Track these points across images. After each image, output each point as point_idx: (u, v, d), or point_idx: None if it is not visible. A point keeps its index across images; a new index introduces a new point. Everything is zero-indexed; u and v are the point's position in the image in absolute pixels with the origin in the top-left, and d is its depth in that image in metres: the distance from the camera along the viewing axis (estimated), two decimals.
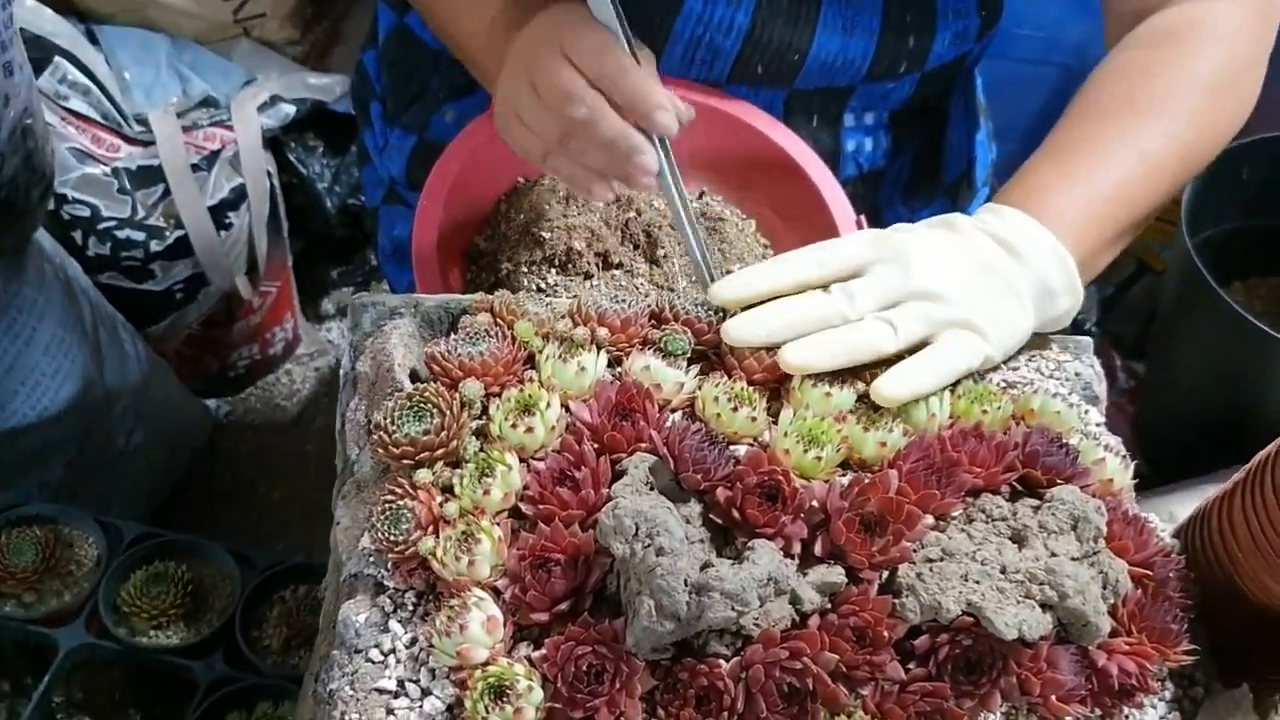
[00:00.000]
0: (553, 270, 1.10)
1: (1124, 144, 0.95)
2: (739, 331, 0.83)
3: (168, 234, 1.76)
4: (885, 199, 1.28)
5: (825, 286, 0.86)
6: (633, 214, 1.13)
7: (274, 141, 1.90)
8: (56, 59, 1.69)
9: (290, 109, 1.87)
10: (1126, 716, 0.77)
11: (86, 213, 1.69)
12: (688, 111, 0.96)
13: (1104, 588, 0.75)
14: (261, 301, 2.02)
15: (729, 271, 1.02)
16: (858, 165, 1.23)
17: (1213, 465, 1.64)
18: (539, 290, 1.08)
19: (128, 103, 1.79)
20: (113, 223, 1.72)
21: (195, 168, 1.77)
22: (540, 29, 0.97)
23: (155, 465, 1.85)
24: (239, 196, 1.83)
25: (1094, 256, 0.94)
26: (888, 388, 0.81)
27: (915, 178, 1.29)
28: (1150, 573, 0.80)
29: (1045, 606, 0.72)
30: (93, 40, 1.80)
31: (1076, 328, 2.00)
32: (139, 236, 1.74)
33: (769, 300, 0.85)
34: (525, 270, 1.10)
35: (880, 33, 1.09)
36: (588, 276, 1.10)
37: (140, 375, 1.73)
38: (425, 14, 1.14)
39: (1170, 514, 1.27)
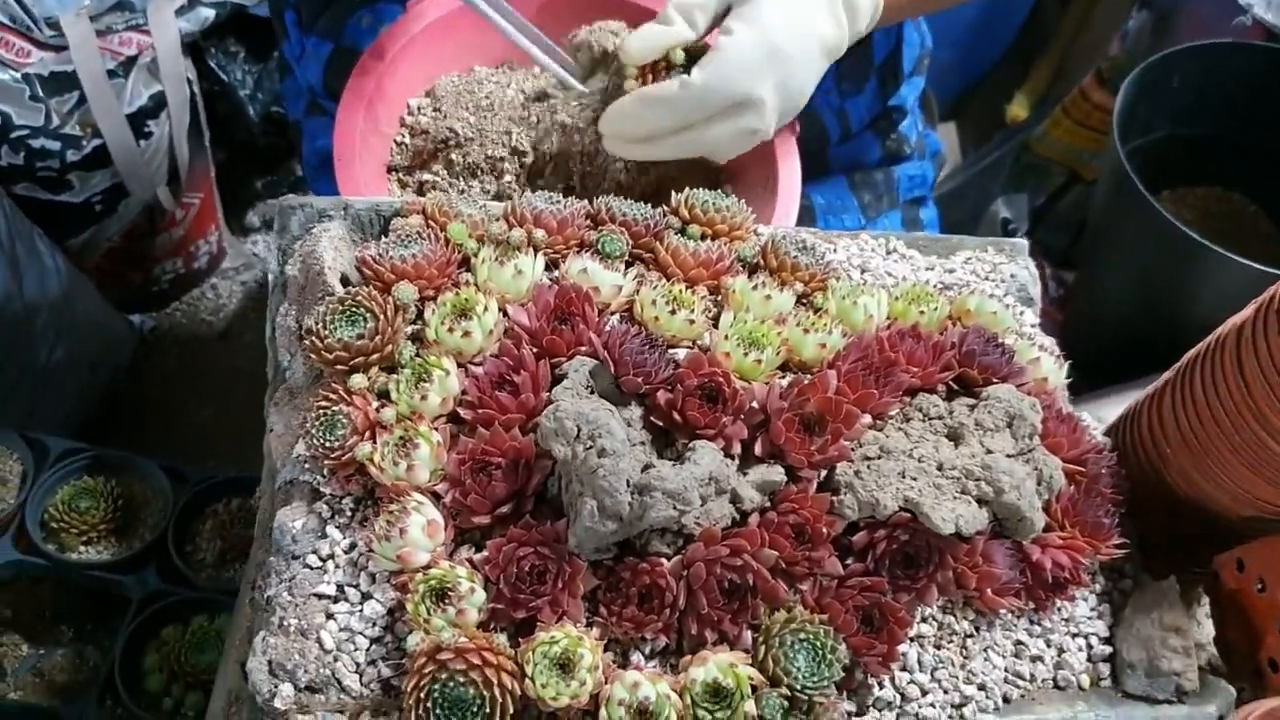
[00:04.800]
0: (474, 180, 1.08)
1: None
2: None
3: (84, 143, 1.70)
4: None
5: None
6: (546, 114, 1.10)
7: (193, 47, 1.83)
8: None
9: (209, 13, 1.79)
10: (1059, 608, 0.79)
11: None
12: None
13: (1039, 484, 0.76)
14: (184, 213, 1.96)
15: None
16: None
17: (1140, 372, 1.67)
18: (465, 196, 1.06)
19: (38, 5, 1.70)
20: (25, 131, 1.65)
21: (111, 74, 1.70)
22: None
23: (79, 381, 1.81)
24: (158, 104, 1.76)
25: None
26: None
27: (844, 62, 1.27)
28: (1083, 469, 0.81)
29: (981, 502, 0.73)
30: None
31: (1007, 236, 2.02)
32: (54, 146, 1.68)
33: None
34: (446, 180, 1.07)
35: None
36: (516, 183, 1.08)
37: (60, 289, 1.68)
38: None
39: (1099, 419, 1.30)
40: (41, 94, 1.65)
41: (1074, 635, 0.79)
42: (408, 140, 1.10)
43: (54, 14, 1.70)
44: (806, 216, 1.23)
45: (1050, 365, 0.86)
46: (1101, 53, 2.02)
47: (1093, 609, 0.80)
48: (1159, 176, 1.79)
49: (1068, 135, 2.01)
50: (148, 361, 2.04)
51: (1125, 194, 1.57)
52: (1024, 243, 0.98)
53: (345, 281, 0.83)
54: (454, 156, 1.07)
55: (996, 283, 0.95)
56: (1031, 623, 0.78)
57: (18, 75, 1.63)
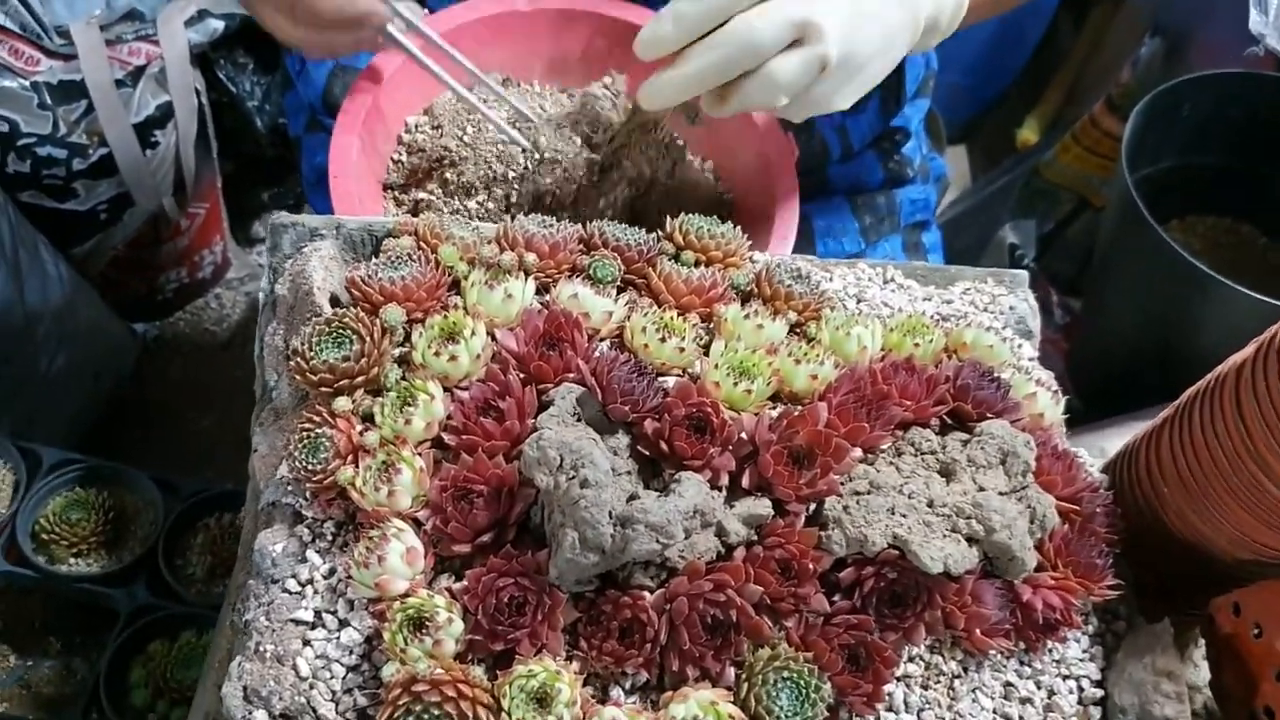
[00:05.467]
0: (470, 198, 1.07)
1: None
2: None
3: (91, 152, 1.70)
4: None
5: None
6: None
7: (202, 58, 1.83)
8: None
9: (219, 24, 1.80)
10: (1050, 650, 0.78)
11: (5, 128, 1.62)
12: None
13: (1031, 522, 0.75)
14: (189, 223, 1.96)
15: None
16: None
17: (1145, 402, 1.65)
18: (460, 217, 1.05)
19: (48, 14, 1.71)
20: (33, 139, 1.65)
21: (120, 84, 1.70)
22: None
23: (80, 390, 1.81)
24: (165, 114, 1.76)
25: None
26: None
27: None
28: (1078, 508, 0.80)
29: (971, 541, 0.72)
30: None
31: (1014, 263, 2.01)
32: (60, 154, 1.68)
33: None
34: (442, 198, 1.07)
35: None
36: (509, 203, 1.07)
37: (63, 297, 1.68)
38: None
39: (1102, 450, 1.28)
40: (50, 102, 1.65)
41: (1065, 677, 0.77)
42: (404, 158, 1.10)
43: (64, 22, 1.71)
44: (805, 238, 1.22)
45: (1047, 401, 0.84)
46: (1113, 79, 2.01)
47: (1085, 651, 0.79)
48: (1167, 205, 1.77)
49: (1077, 161, 2.00)
50: (150, 370, 2.04)
51: (1133, 222, 1.56)
52: (1024, 274, 0.97)
53: (335, 302, 0.82)
54: (449, 175, 1.06)
55: (995, 314, 0.93)
56: (1021, 664, 0.77)
57: (26, 83, 1.63)
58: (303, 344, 0.77)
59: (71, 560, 1.29)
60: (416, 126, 1.11)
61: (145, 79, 1.73)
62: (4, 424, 1.55)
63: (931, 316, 0.90)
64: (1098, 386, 1.84)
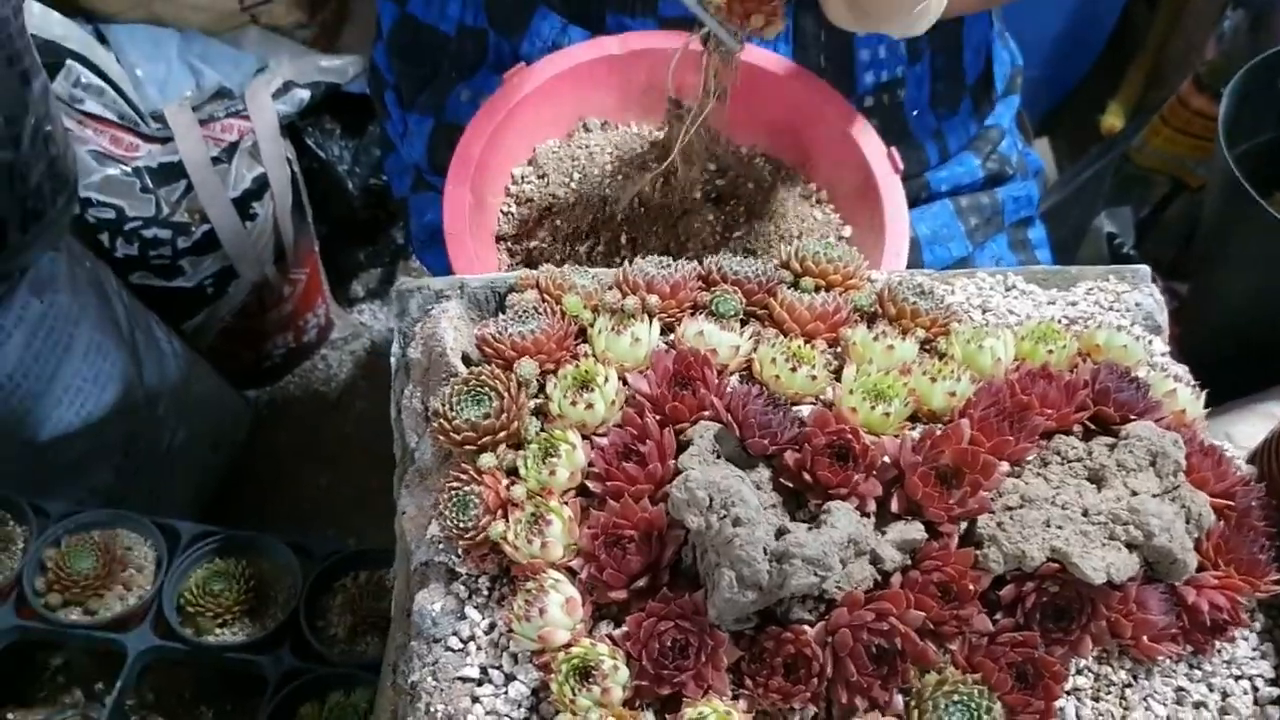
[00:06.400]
0: (581, 242, 1.08)
1: None
2: None
3: (194, 229, 1.75)
4: (910, 107, 1.26)
5: None
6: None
7: (291, 128, 1.88)
8: (69, 62, 1.67)
9: (305, 94, 1.85)
10: (1219, 651, 0.76)
11: (111, 214, 1.68)
12: None
13: (1188, 523, 0.73)
14: (292, 289, 2.01)
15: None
16: (875, 75, 1.22)
17: (1263, 382, 1.61)
18: (571, 262, 1.07)
19: (142, 100, 1.77)
20: (138, 222, 1.71)
21: (215, 160, 1.76)
22: None
23: (200, 461, 1.85)
24: (261, 186, 1.81)
25: None
26: None
27: (937, 83, 1.27)
28: (1232, 503, 0.78)
29: (1131, 547, 0.71)
30: (102, 40, 1.78)
31: (1114, 251, 1.98)
32: (165, 234, 1.73)
33: None
34: (553, 244, 1.09)
35: None
36: (615, 245, 1.08)
37: (179, 373, 1.73)
38: None
39: (1226, 435, 1.25)
40: (151, 185, 1.71)
41: (1237, 678, 0.76)
42: (514, 209, 1.12)
43: (158, 107, 1.76)
44: (911, 250, 1.22)
45: (1188, 396, 0.83)
46: (1197, 57, 1.97)
47: (1255, 649, 0.77)
48: (1271, 179, 1.73)
49: (1168, 144, 1.96)
50: (264, 435, 2.09)
51: (1237, 199, 1.52)
52: (1146, 269, 0.96)
53: (467, 360, 0.84)
54: (559, 222, 1.08)
55: (1121, 312, 0.92)
56: (1191, 667, 0.75)
57: (128, 169, 1.68)
58: (443, 405, 0.78)
59: (217, 630, 1.32)
60: (523, 178, 1.13)
61: (239, 154, 1.78)
62: (135, 501, 1.60)
63: (1059, 320, 0.89)
64: (1214, 369, 1.80)
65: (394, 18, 1.29)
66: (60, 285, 1.46)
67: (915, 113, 1.26)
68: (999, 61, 1.34)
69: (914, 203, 1.22)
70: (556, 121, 1.17)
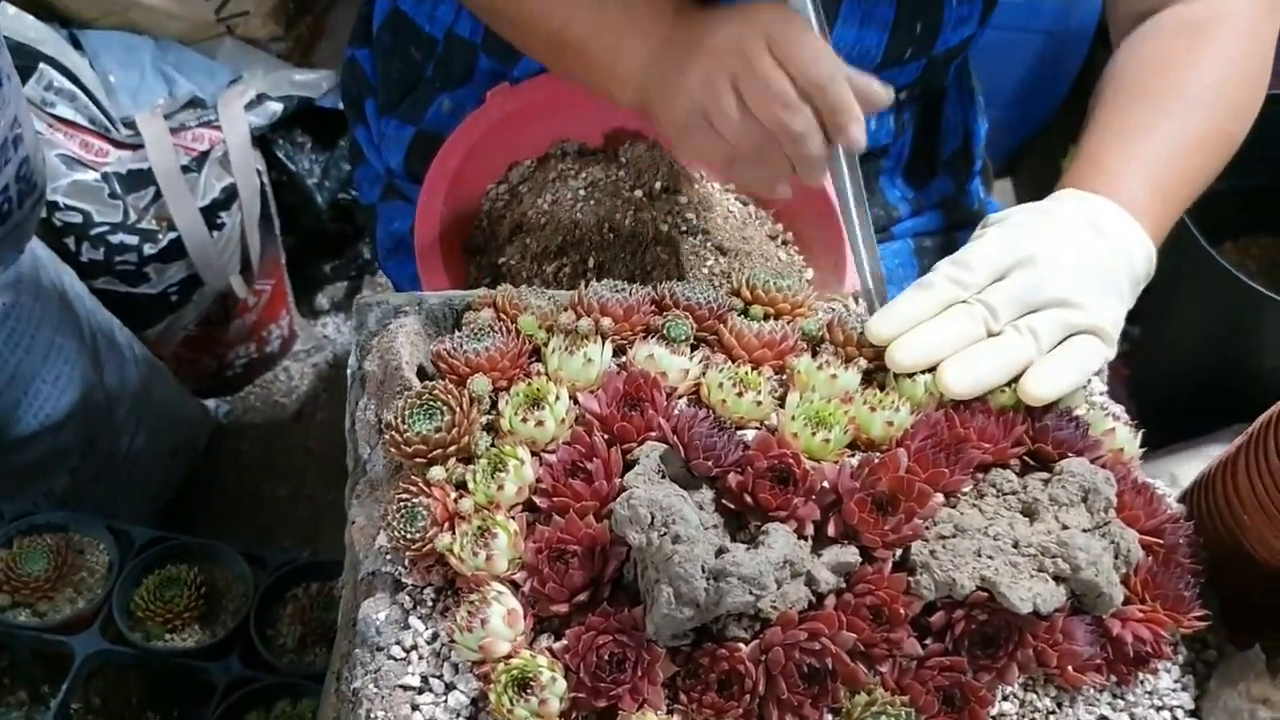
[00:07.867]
0: (549, 262, 1.10)
1: (1178, 129, 0.99)
2: (905, 356, 0.83)
3: (160, 237, 1.76)
4: (886, 176, 1.29)
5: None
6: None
7: (262, 140, 1.89)
8: (41, 66, 1.68)
9: (277, 106, 1.86)
10: (1142, 681, 0.79)
11: (78, 219, 1.68)
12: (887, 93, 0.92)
13: (1116, 558, 0.76)
14: (256, 300, 2.02)
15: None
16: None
17: (1209, 426, 1.65)
18: (538, 281, 1.09)
19: (114, 107, 1.78)
20: (105, 228, 1.71)
21: (185, 169, 1.77)
22: (742, 27, 0.89)
23: (159, 468, 1.85)
24: (230, 196, 1.82)
25: (1157, 240, 0.96)
26: (1037, 388, 0.82)
27: (914, 156, 1.30)
28: (1160, 540, 0.80)
29: (1058, 579, 0.73)
30: (76, 45, 1.78)
31: None
32: (132, 240, 1.74)
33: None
34: (521, 263, 1.10)
35: (893, 24, 1.10)
36: (583, 267, 1.10)
37: (140, 379, 1.73)
38: None
39: (1171, 475, 1.28)
40: (119, 191, 1.72)
41: (1159, 708, 0.78)
42: (485, 224, 1.13)
43: (130, 114, 1.77)
44: None
45: (1125, 436, 0.85)
46: None
47: (1176, 680, 0.80)
48: (1220, 227, 1.78)
49: None
50: (224, 445, 2.09)
51: (1187, 246, 1.56)
52: None
53: (422, 374, 0.85)
54: (529, 241, 1.10)
55: None
56: (1115, 696, 0.78)
57: (98, 175, 1.69)
58: (395, 417, 0.80)
59: (166, 635, 1.33)
60: (497, 194, 1.15)
61: (209, 163, 1.79)
62: (91, 505, 1.60)
63: None
64: (1161, 412, 1.84)
65: (385, 12, 1.29)
66: (23, 287, 1.46)
67: (890, 181, 1.30)
68: (978, 139, 1.36)
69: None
70: (535, 141, 1.19)
